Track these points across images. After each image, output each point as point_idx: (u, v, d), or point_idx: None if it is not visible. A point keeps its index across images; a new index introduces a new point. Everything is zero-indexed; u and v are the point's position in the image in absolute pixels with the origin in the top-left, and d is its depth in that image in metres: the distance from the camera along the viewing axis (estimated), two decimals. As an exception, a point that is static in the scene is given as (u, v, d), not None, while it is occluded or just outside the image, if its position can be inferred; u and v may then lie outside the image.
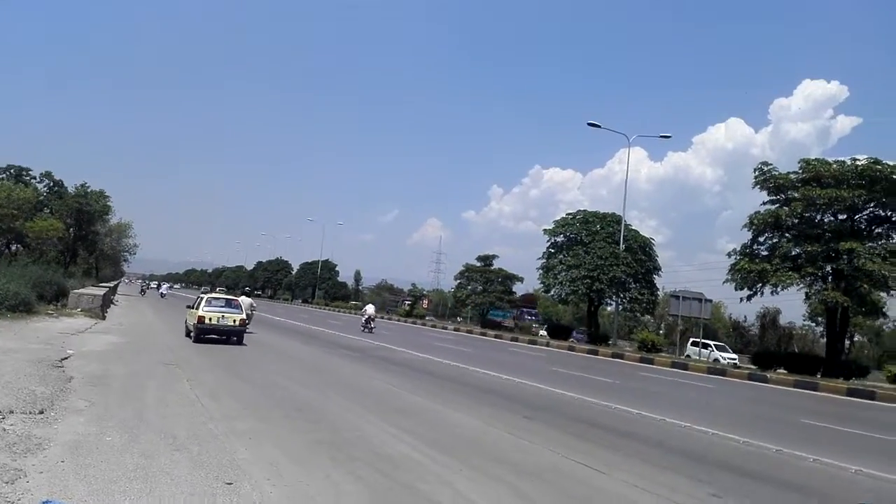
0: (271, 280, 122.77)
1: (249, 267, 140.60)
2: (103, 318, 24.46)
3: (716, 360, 35.72)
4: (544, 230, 44.98)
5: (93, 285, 42.67)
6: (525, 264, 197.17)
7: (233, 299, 20.82)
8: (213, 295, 21.35)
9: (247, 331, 19.79)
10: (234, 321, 18.73)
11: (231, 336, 18.78)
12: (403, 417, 9.35)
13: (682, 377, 23.30)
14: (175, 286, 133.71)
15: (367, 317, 32.34)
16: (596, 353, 32.15)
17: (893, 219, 29.11)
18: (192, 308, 19.99)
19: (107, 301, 30.07)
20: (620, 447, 8.63)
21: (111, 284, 51.74)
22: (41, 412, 7.29)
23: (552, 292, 43.63)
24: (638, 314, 47.10)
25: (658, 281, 43.40)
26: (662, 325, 58.26)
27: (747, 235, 31.73)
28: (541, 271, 43.66)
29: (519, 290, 63.02)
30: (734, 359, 36.75)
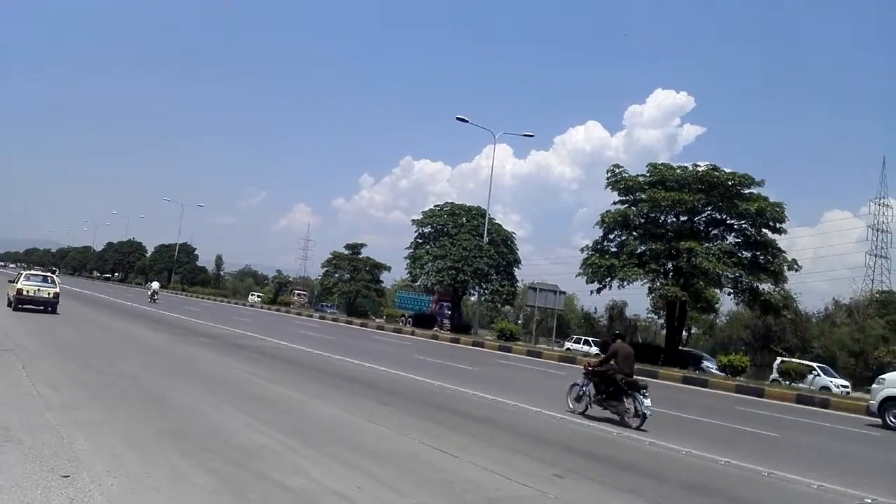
0: (122, 262, 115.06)
1: (99, 248, 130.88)
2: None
3: (567, 349, 37.86)
4: (413, 220, 45.60)
5: None
6: (394, 253, 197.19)
7: (48, 275, 25.78)
8: (32, 272, 27.01)
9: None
10: (49, 294, 22.73)
11: (46, 306, 22.54)
12: (259, 406, 9.24)
13: (536, 365, 24.52)
14: (12, 265, 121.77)
15: (152, 290, 43.95)
16: (458, 341, 33.04)
17: (728, 221, 31.99)
18: (13, 283, 23.85)
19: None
20: (474, 432, 9.02)
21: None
22: None
23: (419, 282, 44.28)
24: (499, 305, 48.93)
25: (518, 273, 45.36)
26: (521, 316, 60.65)
27: (599, 232, 33.78)
28: (408, 261, 44.18)
29: (386, 278, 63.29)
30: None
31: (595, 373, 11.43)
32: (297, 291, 74.69)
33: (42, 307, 22.37)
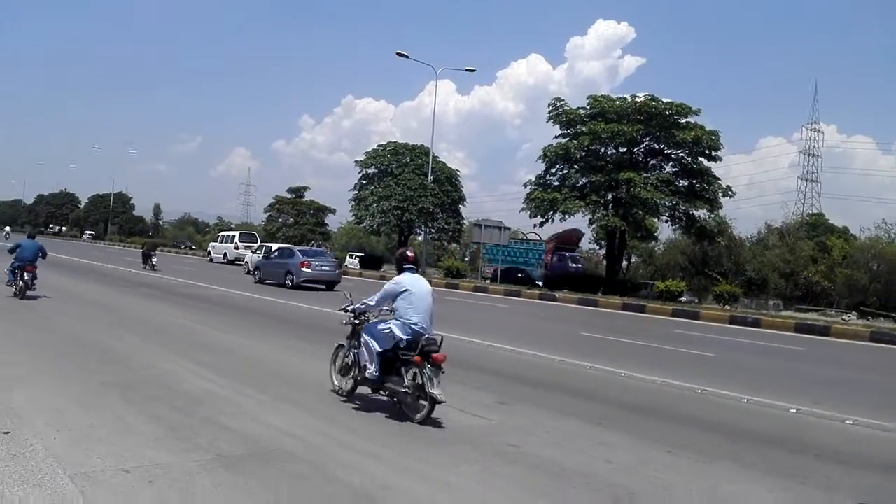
0: (55, 215, 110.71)
1: (29, 201, 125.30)
2: None
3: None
4: (356, 161, 44.88)
5: None
6: (339, 196, 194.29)
7: None
8: None
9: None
10: None
11: None
12: (203, 352, 9.22)
13: (482, 300, 24.98)
14: None
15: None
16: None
17: (665, 151, 32.62)
18: None
19: None
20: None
21: None
22: None
23: (364, 223, 44.05)
24: (445, 243, 49.25)
25: (464, 211, 45.47)
26: (467, 253, 61.19)
27: (542, 167, 34.02)
28: (353, 202, 43.80)
29: (332, 221, 62.72)
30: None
31: None
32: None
33: None
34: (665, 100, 31.61)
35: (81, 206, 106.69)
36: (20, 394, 6.23)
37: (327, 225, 61.65)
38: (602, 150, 32.75)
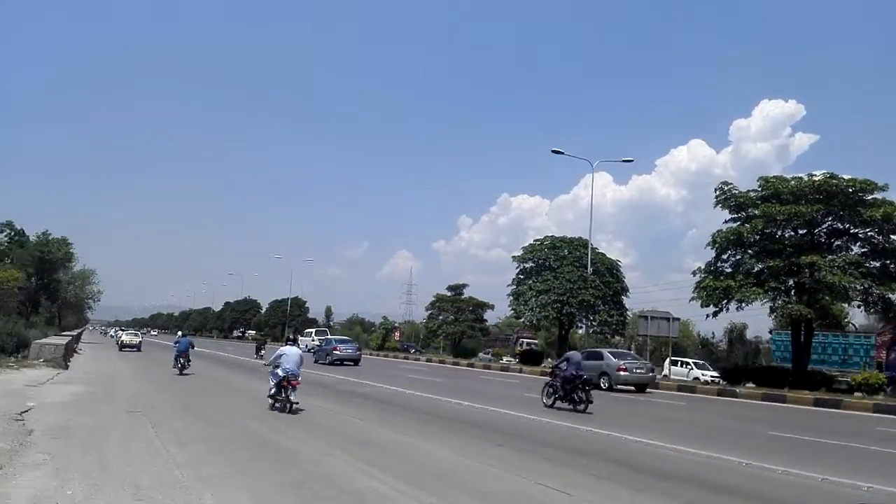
0: (240, 320, 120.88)
1: (217, 308, 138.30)
2: (66, 367, 23.79)
3: (696, 378, 35.96)
4: (513, 257, 45.41)
5: (55, 335, 41.58)
6: (496, 291, 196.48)
7: (137, 333, 50.92)
8: (127, 330, 55.38)
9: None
10: (138, 341, 45.27)
11: (136, 348, 43.59)
12: (370, 451, 9.24)
13: (653, 396, 23.44)
14: (151, 332, 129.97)
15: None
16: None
17: (851, 231, 29.90)
18: (120, 337, 47.72)
19: (70, 350, 29.34)
20: (590, 468, 8.61)
21: (74, 333, 50.54)
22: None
23: (523, 318, 43.80)
24: (608, 336, 47.53)
25: (626, 302, 43.93)
26: (633, 346, 58.62)
27: (711, 254, 32.32)
28: (511, 297, 43.87)
29: (490, 317, 63.13)
30: (716, 376, 36.70)
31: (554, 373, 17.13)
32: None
33: (135, 349, 43.15)
34: (846, 176, 29.26)
35: (262, 311, 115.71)
36: (208, 493, 6.55)
37: (486, 321, 62.00)
38: (778, 233, 30.67)
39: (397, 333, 75.51)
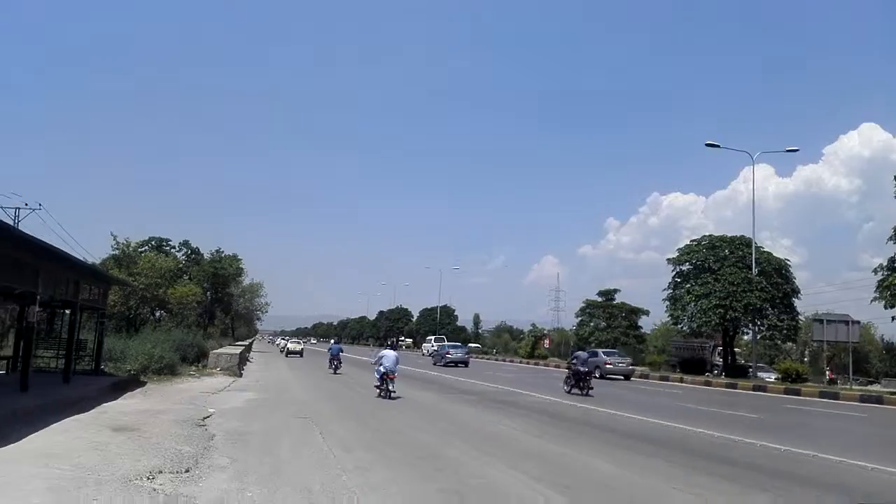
0: (393, 328, 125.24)
1: (372, 317, 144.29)
2: (240, 375, 25.71)
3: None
4: (668, 259, 43.31)
5: (230, 344, 45.24)
6: (650, 296, 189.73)
7: (299, 341, 63.78)
8: (291, 339, 66.38)
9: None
10: (301, 349, 53.99)
11: (298, 354, 50.83)
12: (529, 462, 8.99)
13: (833, 408, 21.29)
14: (311, 340, 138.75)
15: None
16: (735, 386, 30.07)
17: None
18: (284, 345, 57.78)
19: (243, 359, 31.67)
20: (764, 486, 7.80)
21: (247, 342, 54.65)
22: (187, 471, 7.63)
23: (682, 324, 41.63)
24: (778, 342, 43.96)
25: (798, 304, 40.43)
26: (806, 353, 53.92)
27: (894, 248, 28.93)
28: (667, 302, 41.89)
29: (645, 323, 60.69)
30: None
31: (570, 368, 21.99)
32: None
33: (298, 355, 50.53)
34: None
35: (414, 320, 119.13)
36: (374, 498, 6.67)
37: (641, 327, 59.68)
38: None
39: (547, 341, 74.38)
